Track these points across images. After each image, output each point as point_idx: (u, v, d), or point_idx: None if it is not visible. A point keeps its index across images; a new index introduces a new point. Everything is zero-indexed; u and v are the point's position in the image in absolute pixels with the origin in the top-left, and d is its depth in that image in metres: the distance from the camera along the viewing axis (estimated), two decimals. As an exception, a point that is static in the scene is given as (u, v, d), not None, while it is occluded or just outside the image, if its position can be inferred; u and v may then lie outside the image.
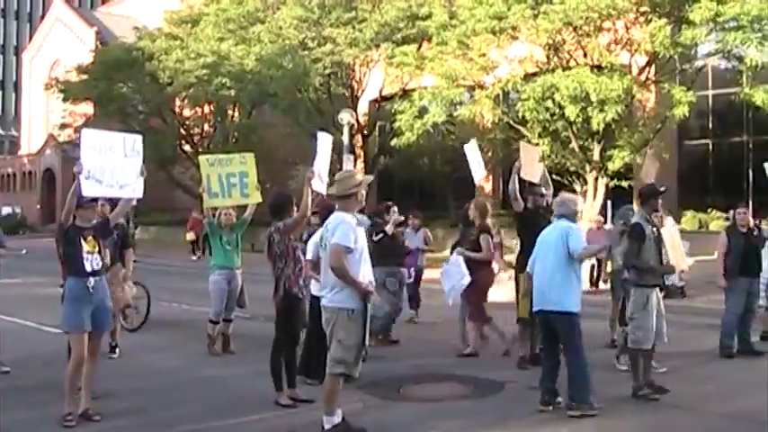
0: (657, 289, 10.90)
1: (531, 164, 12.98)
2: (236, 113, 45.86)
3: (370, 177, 9.71)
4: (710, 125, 39.50)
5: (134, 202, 10.64)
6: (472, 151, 15.19)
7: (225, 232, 13.63)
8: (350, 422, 8.65)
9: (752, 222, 14.14)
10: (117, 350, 13.15)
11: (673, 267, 10.85)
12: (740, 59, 28.44)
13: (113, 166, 9.65)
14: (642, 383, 10.60)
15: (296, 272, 10.09)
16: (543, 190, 12.65)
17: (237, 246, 13.79)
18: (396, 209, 14.88)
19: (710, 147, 39.50)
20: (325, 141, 10.96)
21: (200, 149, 42.14)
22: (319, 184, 10.63)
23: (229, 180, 12.40)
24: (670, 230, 11.35)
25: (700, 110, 36.24)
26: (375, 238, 14.02)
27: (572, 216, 10.13)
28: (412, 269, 16.74)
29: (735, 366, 12.82)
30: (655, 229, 10.90)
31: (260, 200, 12.64)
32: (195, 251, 39.06)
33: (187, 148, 47.27)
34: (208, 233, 14.19)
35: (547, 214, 11.48)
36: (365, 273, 8.51)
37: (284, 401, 10.02)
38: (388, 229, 14.55)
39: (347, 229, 8.43)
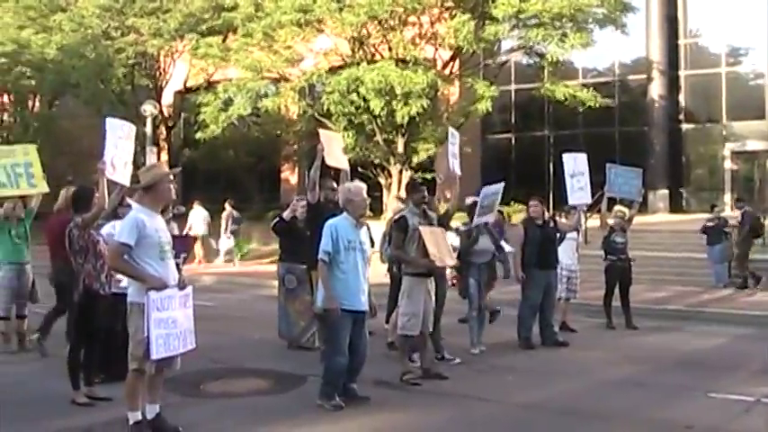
0: (430, 279, 11.08)
1: (335, 150, 12.76)
2: (38, 104, 44.40)
3: (178, 169, 9.34)
4: (513, 119, 40.52)
5: None
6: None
7: (13, 225, 13.02)
8: (165, 418, 8.39)
9: (547, 215, 14.36)
10: None
11: (431, 262, 10.82)
12: (541, 56, 29.30)
13: None
14: (409, 368, 10.89)
15: (97, 267, 9.62)
16: (334, 184, 12.35)
17: (26, 239, 13.21)
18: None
19: (513, 140, 40.46)
20: (116, 128, 10.55)
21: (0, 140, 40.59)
22: (119, 174, 10.27)
23: (15, 170, 11.84)
24: (431, 229, 11.30)
25: (502, 104, 37.12)
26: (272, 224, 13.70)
27: (345, 208, 9.88)
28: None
29: (535, 357, 13.04)
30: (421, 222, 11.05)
31: (47, 190, 12.12)
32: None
33: (-14, 139, 45.53)
34: None
35: (337, 209, 11.08)
36: (158, 267, 8.14)
37: (81, 400, 9.60)
38: (286, 215, 13.34)
39: (126, 225, 8.16)
